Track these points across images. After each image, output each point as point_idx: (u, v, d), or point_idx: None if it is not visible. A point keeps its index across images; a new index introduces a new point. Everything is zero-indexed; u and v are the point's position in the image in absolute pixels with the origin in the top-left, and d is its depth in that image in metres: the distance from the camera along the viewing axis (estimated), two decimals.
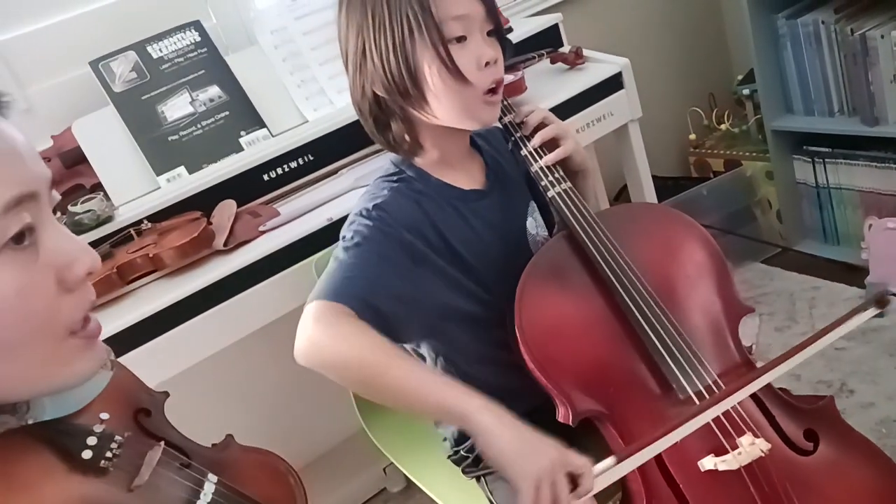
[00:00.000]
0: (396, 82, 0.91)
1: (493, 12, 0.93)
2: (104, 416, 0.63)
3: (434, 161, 1.00)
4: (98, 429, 0.61)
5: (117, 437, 0.62)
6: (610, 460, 0.80)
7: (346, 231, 0.95)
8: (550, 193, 1.00)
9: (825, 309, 1.94)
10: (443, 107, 0.93)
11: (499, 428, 0.78)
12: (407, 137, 0.97)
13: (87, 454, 0.59)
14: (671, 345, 0.90)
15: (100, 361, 0.61)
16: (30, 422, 0.60)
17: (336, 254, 0.93)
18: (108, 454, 0.60)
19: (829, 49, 1.93)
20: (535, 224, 1.08)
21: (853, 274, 1.98)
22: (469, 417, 0.79)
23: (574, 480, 0.78)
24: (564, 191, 1.00)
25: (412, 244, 0.94)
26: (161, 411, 0.75)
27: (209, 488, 0.68)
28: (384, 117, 0.97)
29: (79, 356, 0.58)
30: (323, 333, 0.85)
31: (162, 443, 0.67)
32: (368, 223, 0.93)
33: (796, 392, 1.01)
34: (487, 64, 0.92)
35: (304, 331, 0.86)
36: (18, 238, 0.53)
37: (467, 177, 1.03)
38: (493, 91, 0.94)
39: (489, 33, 0.94)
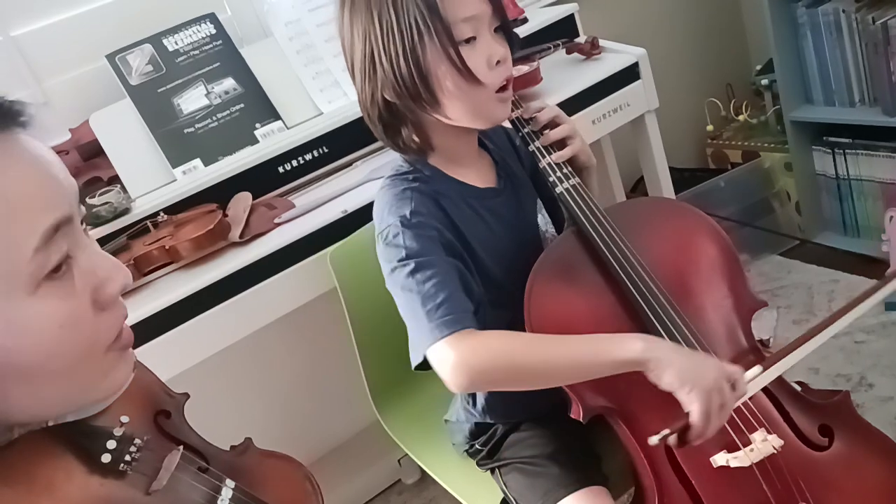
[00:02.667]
0: (408, 87, 0.90)
1: (499, 9, 0.92)
2: (124, 418, 0.63)
3: (445, 161, 1.00)
4: (118, 432, 0.61)
5: (137, 440, 0.62)
6: (756, 368, 0.86)
7: (391, 250, 0.91)
8: (559, 189, 1.00)
9: (844, 302, 1.91)
10: (455, 108, 0.92)
11: (669, 355, 0.83)
12: (417, 139, 0.96)
13: (106, 457, 0.60)
14: (681, 340, 0.89)
15: (132, 367, 0.61)
16: (50, 423, 0.60)
17: (401, 282, 0.89)
18: (128, 457, 0.61)
19: (849, 38, 1.90)
20: (544, 221, 1.08)
21: (873, 267, 1.96)
22: (645, 359, 0.83)
23: (732, 386, 0.84)
24: (573, 186, 1.00)
25: (447, 240, 0.94)
26: (181, 413, 0.75)
27: (226, 493, 0.68)
28: (394, 121, 0.96)
29: (115, 367, 0.59)
30: (473, 360, 0.84)
31: (181, 447, 0.67)
32: (414, 234, 0.91)
33: (814, 386, 1.00)
34: (498, 62, 0.91)
35: (453, 369, 0.84)
36: (56, 268, 0.53)
37: (479, 175, 1.02)
38: (504, 88, 0.94)
39: (496, 30, 0.93)
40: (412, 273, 0.88)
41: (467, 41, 0.90)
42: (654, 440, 0.82)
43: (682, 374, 0.82)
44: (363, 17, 0.90)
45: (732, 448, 0.86)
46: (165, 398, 0.75)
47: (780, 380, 0.95)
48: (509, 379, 0.88)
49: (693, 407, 0.81)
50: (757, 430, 0.86)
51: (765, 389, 0.92)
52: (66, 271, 0.54)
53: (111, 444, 0.60)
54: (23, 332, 0.51)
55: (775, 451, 0.84)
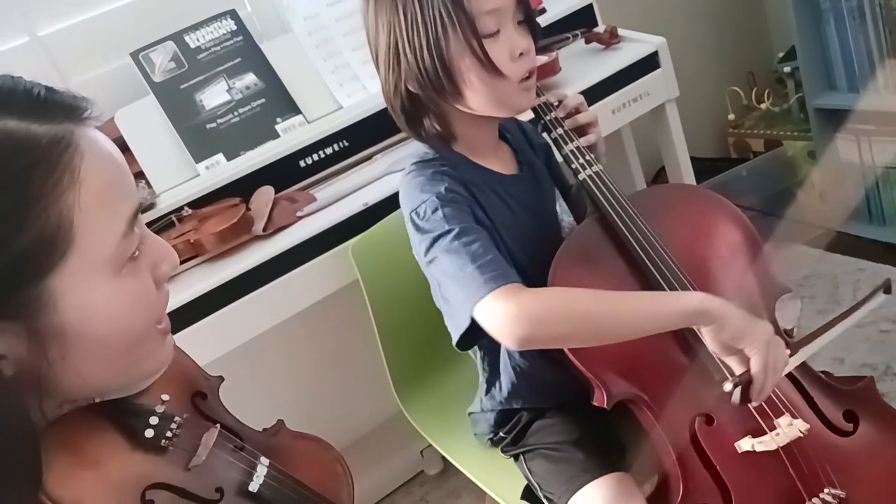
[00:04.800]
0: (431, 79, 0.91)
1: (523, 1, 0.92)
2: (165, 397, 0.67)
3: (468, 149, 1.00)
4: (159, 409, 0.64)
5: (177, 418, 0.65)
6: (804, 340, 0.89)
7: (431, 223, 0.91)
8: (582, 176, 1.00)
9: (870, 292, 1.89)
10: (479, 98, 0.93)
11: (727, 307, 0.84)
12: (440, 128, 0.96)
13: (149, 433, 0.63)
14: None
15: (172, 349, 0.65)
16: (97, 400, 0.63)
17: (445, 247, 0.88)
18: (169, 433, 0.64)
19: (873, 23, 1.87)
20: (562, 209, 1.08)
21: None
22: (706, 309, 0.83)
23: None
24: (596, 173, 1.00)
25: (480, 219, 0.94)
26: (216, 395, 0.77)
27: (261, 471, 0.70)
28: (417, 112, 0.96)
29: (159, 347, 0.63)
30: (532, 308, 0.82)
31: (218, 425, 0.69)
32: (452, 207, 0.91)
33: (839, 375, 0.99)
34: (521, 55, 0.92)
35: (512, 319, 0.82)
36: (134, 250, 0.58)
37: (500, 163, 1.03)
38: (527, 78, 0.94)
39: (520, 22, 0.93)
40: (457, 237, 0.88)
41: (491, 35, 0.90)
42: (728, 386, 0.83)
43: (744, 324, 0.83)
44: (388, 8, 0.91)
45: (758, 433, 0.86)
46: (202, 380, 0.77)
47: (804, 366, 0.94)
48: (569, 330, 0.85)
49: (755, 359, 0.82)
50: (783, 414, 0.86)
51: (789, 375, 0.92)
52: (138, 254, 0.58)
53: (154, 421, 0.63)
54: (105, 309, 0.56)
55: (801, 435, 0.84)
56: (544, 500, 1.00)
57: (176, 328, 1.18)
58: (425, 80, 0.91)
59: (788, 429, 0.84)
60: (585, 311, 0.84)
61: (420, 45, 0.89)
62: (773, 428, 0.85)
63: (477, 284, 0.84)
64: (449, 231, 0.88)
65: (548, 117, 1.04)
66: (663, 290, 0.91)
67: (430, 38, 0.89)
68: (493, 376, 1.07)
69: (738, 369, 0.85)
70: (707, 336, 0.85)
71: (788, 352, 0.87)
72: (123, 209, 0.57)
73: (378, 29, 0.93)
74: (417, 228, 0.92)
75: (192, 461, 0.65)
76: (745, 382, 0.83)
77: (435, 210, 0.91)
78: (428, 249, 0.91)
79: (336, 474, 0.84)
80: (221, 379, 0.80)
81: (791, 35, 2.03)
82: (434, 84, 0.91)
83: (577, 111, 1.04)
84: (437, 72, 0.90)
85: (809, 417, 0.89)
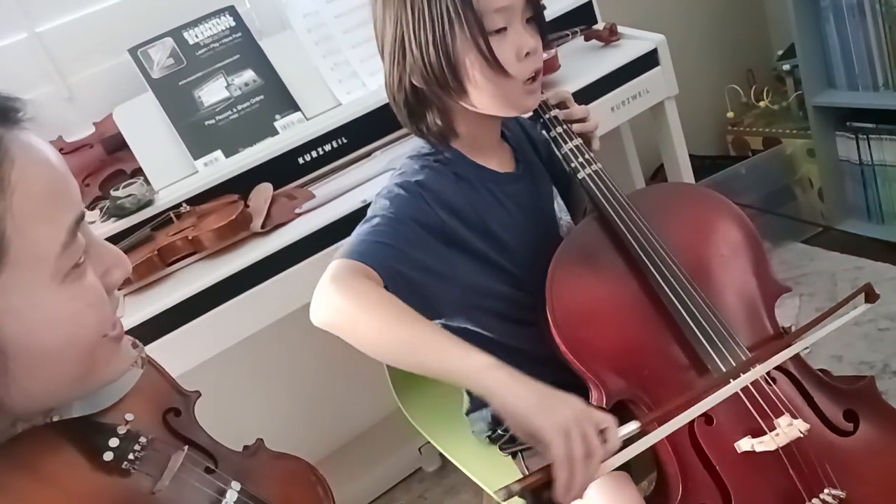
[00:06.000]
0: (436, 74, 0.90)
1: (532, 0, 0.92)
2: (129, 416, 0.64)
3: (468, 147, 1.00)
4: (121, 430, 0.62)
5: (141, 439, 0.62)
6: (632, 424, 0.76)
7: (381, 198, 0.93)
8: (581, 174, 1.00)
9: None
10: (483, 97, 0.92)
11: (513, 382, 0.74)
12: (441, 124, 0.96)
13: (108, 455, 0.60)
14: (706, 325, 0.89)
15: (130, 359, 0.62)
16: (55, 419, 0.61)
17: (368, 216, 0.91)
18: (131, 456, 0.61)
19: (872, 21, 1.87)
20: (560, 208, 1.08)
21: None
22: (479, 376, 0.75)
23: (601, 434, 0.74)
24: (595, 172, 0.99)
25: (446, 225, 0.93)
26: (191, 411, 0.74)
27: (231, 496, 0.67)
28: (420, 107, 0.96)
29: (113, 356, 0.60)
30: (336, 291, 0.82)
31: (186, 447, 0.67)
32: (407, 196, 0.92)
33: (837, 374, 0.99)
34: (527, 55, 0.91)
35: (319, 288, 0.83)
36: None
37: (499, 161, 1.03)
38: (533, 79, 0.93)
39: (528, 20, 0.92)
40: (381, 216, 0.90)
41: (498, 31, 0.89)
42: (502, 494, 0.70)
43: (530, 406, 0.72)
44: (395, 1, 0.91)
45: (758, 433, 0.85)
46: (175, 396, 0.74)
47: (803, 364, 0.94)
48: (351, 334, 0.82)
49: (551, 448, 0.70)
50: (783, 414, 0.86)
51: (788, 374, 0.92)
52: (84, 260, 0.56)
53: (114, 443, 0.60)
54: (49, 320, 0.53)
55: (802, 435, 0.84)
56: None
57: (175, 325, 1.20)
58: (430, 76, 0.91)
59: (788, 429, 0.84)
60: (367, 322, 0.81)
61: (426, 39, 0.89)
62: (772, 428, 0.85)
63: (346, 249, 0.86)
64: (380, 216, 0.89)
65: (546, 116, 1.04)
66: (662, 289, 0.91)
67: (436, 33, 0.88)
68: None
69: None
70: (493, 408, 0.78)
71: (625, 432, 0.75)
72: (63, 218, 0.53)
73: (385, 21, 0.93)
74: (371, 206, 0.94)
75: (157, 485, 0.62)
76: (537, 484, 0.68)
77: (390, 193, 0.92)
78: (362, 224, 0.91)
79: (315, 496, 0.80)
80: (198, 394, 0.76)
81: (790, 33, 2.02)
82: (438, 80, 0.91)
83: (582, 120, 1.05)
84: (442, 68, 0.90)
85: (809, 417, 0.88)
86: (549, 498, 0.70)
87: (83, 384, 0.59)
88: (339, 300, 0.82)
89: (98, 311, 0.57)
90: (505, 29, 0.90)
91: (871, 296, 0.92)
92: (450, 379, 0.78)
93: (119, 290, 0.62)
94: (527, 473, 0.81)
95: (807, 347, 0.88)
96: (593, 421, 0.73)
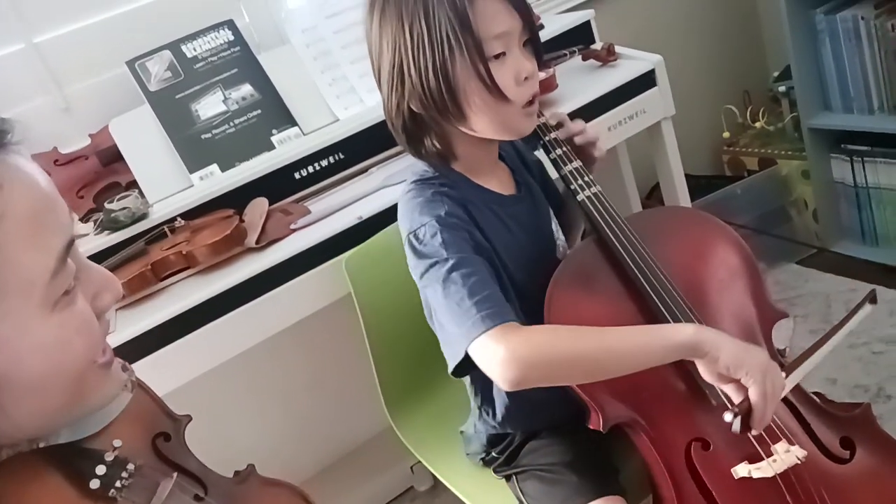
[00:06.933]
0: (435, 100, 0.90)
1: (529, 23, 0.92)
2: (117, 442, 0.62)
3: (467, 169, 0.99)
4: (109, 457, 0.61)
5: (129, 466, 0.61)
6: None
7: (428, 248, 0.90)
8: (581, 196, 1.00)
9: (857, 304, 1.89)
10: (482, 121, 0.92)
11: (720, 338, 0.83)
12: (440, 147, 0.95)
13: (94, 483, 0.59)
14: None
15: (119, 384, 0.61)
16: (41, 445, 0.59)
17: (441, 276, 0.87)
18: (118, 483, 0.60)
19: (868, 45, 1.88)
20: (556, 229, 1.08)
21: (892, 276, 1.94)
22: (699, 340, 0.83)
23: None
24: (595, 194, 0.99)
25: (478, 243, 0.93)
26: (181, 436, 0.73)
27: None
28: (419, 132, 0.95)
29: (102, 382, 0.59)
30: (521, 350, 0.81)
31: (175, 475, 0.66)
32: (451, 234, 0.90)
33: (832, 397, 0.99)
34: (526, 79, 0.91)
35: (504, 363, 0.81)
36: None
37: (499, 182, 1.02)
38: (531, 103, 0.93)
39: (525, 43, 0.92)
40: (455, 267, 0.87)
41: (496, 57, 0.89)
42: (728, 416, 0.82)
43: (737, 355, 0.82)
44: (394, 25, 0.90)
45: (755, 459, 0.85)
46: (165, 420, 0.73)
47: (799, 390, 0.94)
48: (563, 370, 0.85)
49: (753, 388, 0.82)
50: (780, 440, 0.85)
51: (785, 400, 0.91)
52: (74, 286, 0.54)
53: (101, 470, 0.59)
54: (38, 347, 0.52)
55: (799, 462, 0.83)
56: None
57: (167, 341, 1.18)
58: (429, 101, 0.90)
59: (786, 455, 0.83)
60: (577, 352, 0.84)
61: (425, 65, 0.88)
62: (770, 454, 0.85)
63: (472, 322, 0.83)
64: (447, 259, 0.87)
65: (547, 137, 1.04)
66: (661, 312, 0.91)
67: (436, 59, 0.88)
68: (485, 402, 1.06)
69: (735, 396, 0.84)
70: (702, 367, 0.85)
71: (784, 374, 0.86)
72: (53, 243, 0.52)
73: (382, 47, 0.92)
74: (415, 251, 0.91)
75: None
76: (745, 412, 0.82)
77: (434, 235, 0.89)
78: (423, 274, 0.90)
79: None
80: (189, 418, 0.75)
81: (786, 54, 2.04)
82: (438, 105, 0.91)
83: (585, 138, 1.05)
84: (442, 93, 0.89)
85: (806, 444, 0.88)
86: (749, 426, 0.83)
87: (71, 411, 0.57)
88: (534, 356, 0.82)
89: (87, 338, 0.55)
90: (503, 54, 0.90)
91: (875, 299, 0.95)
92: (673, 357, 0.85)
93: None
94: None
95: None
96: (776, 367, 0.85)
